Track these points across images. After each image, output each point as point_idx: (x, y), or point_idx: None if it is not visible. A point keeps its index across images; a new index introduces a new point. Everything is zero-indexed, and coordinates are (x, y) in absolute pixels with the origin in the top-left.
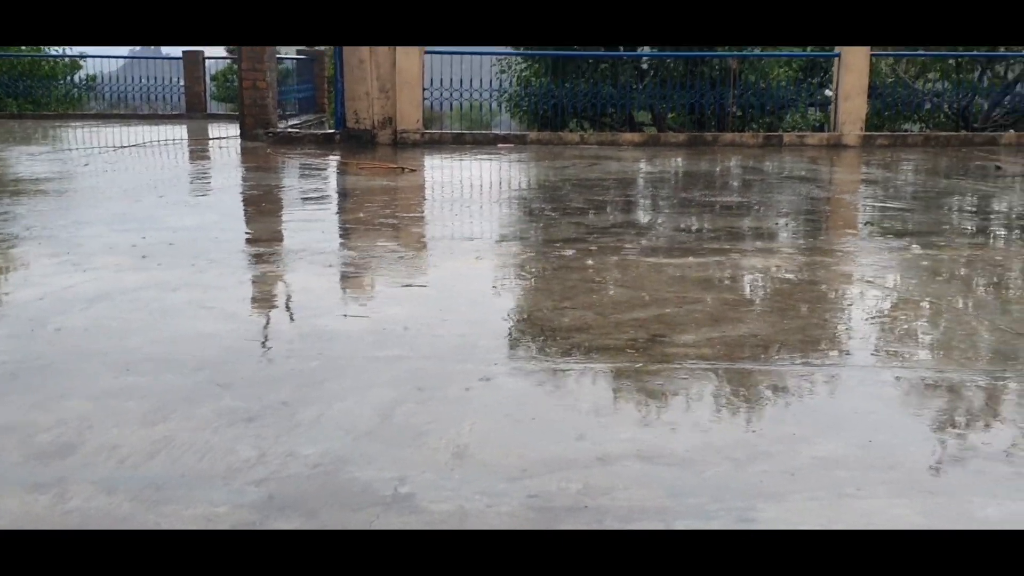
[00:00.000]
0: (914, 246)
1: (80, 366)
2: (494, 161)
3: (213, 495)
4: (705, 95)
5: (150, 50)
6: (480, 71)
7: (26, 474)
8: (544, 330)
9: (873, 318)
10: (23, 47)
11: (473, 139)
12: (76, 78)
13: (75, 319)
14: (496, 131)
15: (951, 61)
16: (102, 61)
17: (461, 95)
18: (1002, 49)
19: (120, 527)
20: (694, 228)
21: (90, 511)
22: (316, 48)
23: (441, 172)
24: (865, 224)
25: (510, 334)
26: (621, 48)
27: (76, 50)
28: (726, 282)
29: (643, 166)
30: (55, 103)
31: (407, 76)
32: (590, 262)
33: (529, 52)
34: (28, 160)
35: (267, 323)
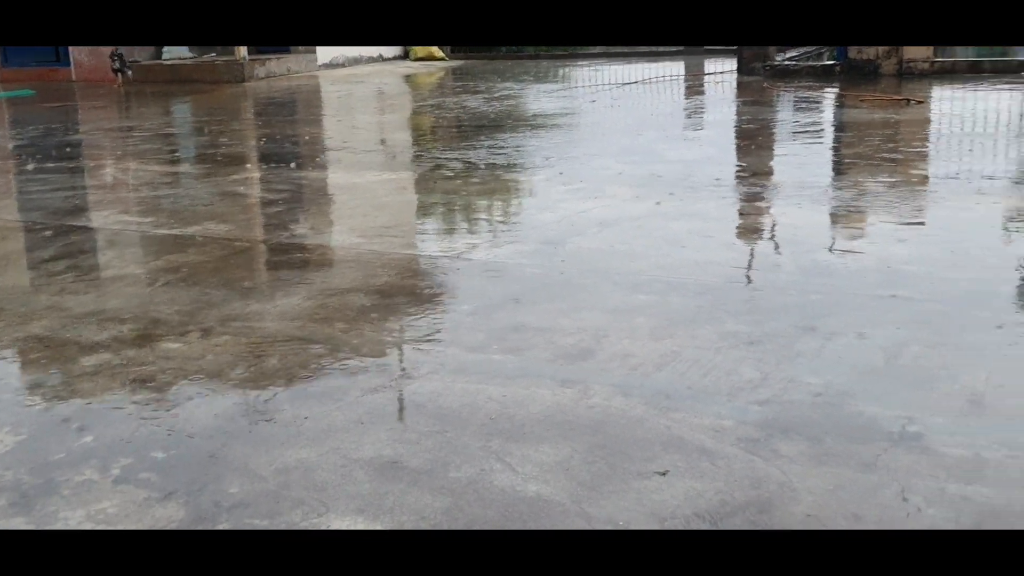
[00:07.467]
0: None
1: (595, 282)
2: (1020, 91)
3: (719, 409)
4: None
5: None
6: None
7: (555, 370)
8: None
9: None
10: None
11: (992, 67)
12: None
13: (588, 241)
14: None
15: None
16: None
17: None
18: None
19: (635, 428)
20: None
21: (609, 409)
22: None
23: (951, 105)
24: None
25: None
26: None
27: None
28: None
29: None
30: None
31: None
32: None
33: None
34: (545, 97)
35: (763, 254)
